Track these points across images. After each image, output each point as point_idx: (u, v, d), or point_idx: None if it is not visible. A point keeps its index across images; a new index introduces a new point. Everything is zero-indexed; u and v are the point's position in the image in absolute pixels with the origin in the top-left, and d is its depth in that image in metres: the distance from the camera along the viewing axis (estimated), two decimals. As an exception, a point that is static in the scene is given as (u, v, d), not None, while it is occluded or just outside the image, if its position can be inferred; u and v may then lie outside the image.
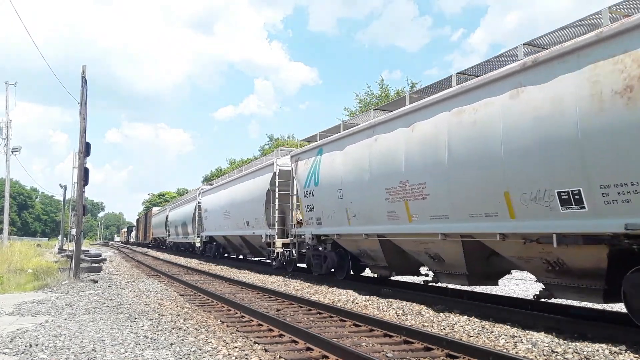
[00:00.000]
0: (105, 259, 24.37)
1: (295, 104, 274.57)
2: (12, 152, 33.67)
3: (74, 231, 20.87)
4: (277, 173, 16.00)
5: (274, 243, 15.89)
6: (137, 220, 75.01)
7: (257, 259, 22.11)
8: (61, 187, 48.54)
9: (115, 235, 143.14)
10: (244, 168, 22.32)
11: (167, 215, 39.10)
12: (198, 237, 26.64)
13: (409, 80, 38.78)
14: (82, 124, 14.73)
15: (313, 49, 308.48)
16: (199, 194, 27.58)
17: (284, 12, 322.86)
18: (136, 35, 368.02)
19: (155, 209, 54.18)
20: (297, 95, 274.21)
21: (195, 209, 27.44)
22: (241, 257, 24.57)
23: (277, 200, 15.85)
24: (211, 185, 27.64)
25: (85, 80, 14.84)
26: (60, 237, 50.46)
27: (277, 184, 15.90)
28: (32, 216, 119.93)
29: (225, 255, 25.75)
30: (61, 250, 33.41)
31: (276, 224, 15.80)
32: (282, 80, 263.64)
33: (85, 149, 14.61)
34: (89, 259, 20.25)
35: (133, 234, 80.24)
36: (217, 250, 25.17)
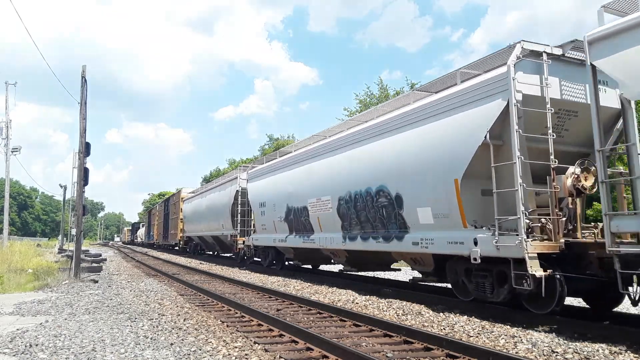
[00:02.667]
0: (105, 259, 24.41)
1: (295, 104, 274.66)
2: (12, 152, 33.61)
3: (74, 231, 20.87)
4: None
5: None
6: (149, 212, 55.03)
7: None
8: (61, 187, 48.60)
9: (116, 235, 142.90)
10: None
11: (240, 191, 19.64)
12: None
13: (409, 80, 38.60)
14: (82, 124, 14.72)
15: (313, 49, 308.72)
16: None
17: (284, 13, 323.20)
18: (136, 35, 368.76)
19: (186, 190, 33.09)
20: (297, 95, 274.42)
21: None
22: None
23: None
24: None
25: (85, 80, 14.84)
26: (60, 237, 50.44)
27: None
28: (32, 216, 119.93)
29: None
30: (61, 250, 33.42)
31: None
32: (282, 80, 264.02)
33: (85, 149, 14.61)
34: (89, 259, 20.29)
35: (141, 232, 63.49)
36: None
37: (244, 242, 19.11)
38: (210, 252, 29.50)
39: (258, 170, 17.79)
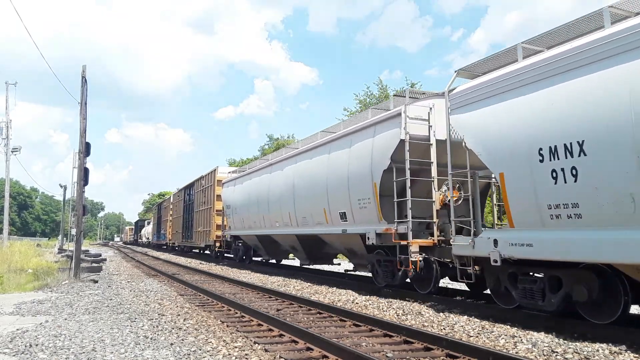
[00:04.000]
0: (105, 259, 24.41)
1: (295, 104, 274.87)
2: (12, 152, 33.65)
3: (74, 231, 20.88)
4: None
5: None
6: (159, 205, 45.30)
7: None
8: (61, 187, 48.72)
9: (116, 235, 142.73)
10: None
11: (409, 142, 9.16)
12: None
13: (409, 80, 38.61)
14: (82, 124, 14.72)
15: (313, 49, 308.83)
16: None
17: (284, 13, 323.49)
18: (136, 35, 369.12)
19: (226, 170, 23.55)
20: (297, 95, 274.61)
21: None
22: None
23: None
24: None
25: (85, 80, 14.84)
26: (60, 237, 50.47)
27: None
28: (32, 216, 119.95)
29: None
30: (61, 250, 33.42)
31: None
32: (282, 80, 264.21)
33: (85, 149, 14.61)
34: (89, 259, 20.29)
35: (147, 230, 55.34)
36: None
37: (423, 250, 9.23)
38: (269, 260, 19.19)
39: (529, 70, 6.57)
